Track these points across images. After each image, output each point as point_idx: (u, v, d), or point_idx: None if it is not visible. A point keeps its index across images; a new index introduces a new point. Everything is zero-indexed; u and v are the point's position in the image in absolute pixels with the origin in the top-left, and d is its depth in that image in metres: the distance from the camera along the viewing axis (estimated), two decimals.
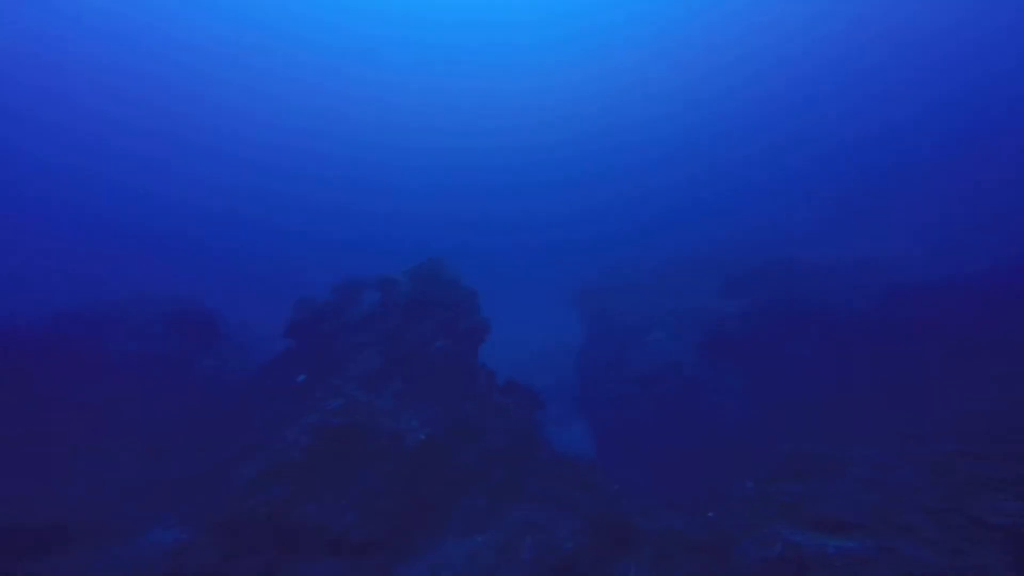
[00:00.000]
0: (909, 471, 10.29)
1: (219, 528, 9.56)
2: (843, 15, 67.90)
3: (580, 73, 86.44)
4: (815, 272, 21.72)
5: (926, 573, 7.34)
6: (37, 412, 14.77)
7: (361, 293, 17.03)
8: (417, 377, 13.86)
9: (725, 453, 15.28)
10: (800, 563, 8.12)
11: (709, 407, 17.48)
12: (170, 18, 74.36)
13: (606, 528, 10.28)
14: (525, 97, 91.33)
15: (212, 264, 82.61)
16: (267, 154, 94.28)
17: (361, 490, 10.85)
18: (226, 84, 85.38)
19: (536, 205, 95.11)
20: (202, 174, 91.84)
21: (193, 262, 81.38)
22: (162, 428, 14.85)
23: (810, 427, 14.29)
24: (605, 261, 38.86)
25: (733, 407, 17.07)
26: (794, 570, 8.12)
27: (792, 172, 75.15)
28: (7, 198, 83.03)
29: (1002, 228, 29.43)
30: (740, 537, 9.61)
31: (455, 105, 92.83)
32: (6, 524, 9.66)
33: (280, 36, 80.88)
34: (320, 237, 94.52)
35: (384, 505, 10.75)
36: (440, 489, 11.70)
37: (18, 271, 63.83)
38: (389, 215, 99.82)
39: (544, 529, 10.28)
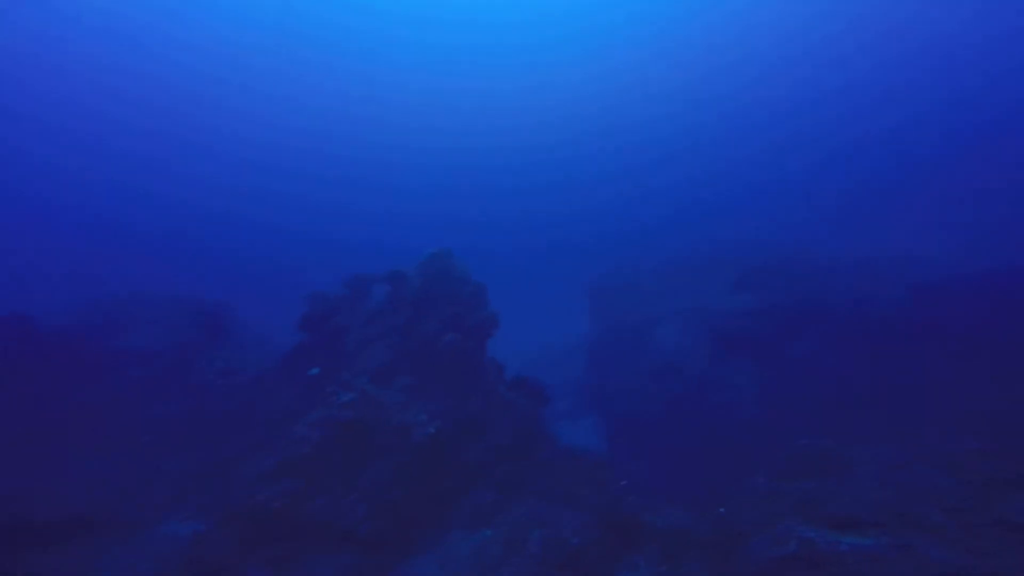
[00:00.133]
0: (925, 469, 10.14)
1: (233, 521, 9.58)
2: (844, 15, 68.04)
3: (580, 73, 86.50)
4: (824, 270, 21.64)
5: (946, 572, 7.15)
6: (39, 411, 14.75)
7: (372, 287, 17.22)
8: (426, 371, 13.88)
9: (736, 450, 15.22)
10: (813, 560, 7.96)
11: (720, 403, 17.44)
12: (170, 18, 74.35)
13: (614, 523, 10.25)
14: (524, 97, 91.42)
15: (212, 264, 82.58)
16: (268, 154, 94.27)
17: (371, 483, 10.85)
18: (226, 84, 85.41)
19: (538, 205, 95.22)
20: (203, 174, 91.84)
21: (193, 262, 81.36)
22: (173, 424, 14.88)
23: (822, 424, 14.20)
24: (608, 261, 38.86)
25: (744, 404, 17.03)
26: (807, 567, 8.01)
27: (792, 172, 75.33)
28: (7, 198, 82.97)
29: None
30: (752, 533, 9.50)
31: (455, 105, 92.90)
32: (23, 519, 9.69)
33: (280, 36, 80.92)
34: (321, 237, 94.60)
35: (393, 498, 10.75)
36: (448, 483, 11.68)
37: (19, 271, 63.74)
38: (389, 215, 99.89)
39: (551, 523, 10.25)
